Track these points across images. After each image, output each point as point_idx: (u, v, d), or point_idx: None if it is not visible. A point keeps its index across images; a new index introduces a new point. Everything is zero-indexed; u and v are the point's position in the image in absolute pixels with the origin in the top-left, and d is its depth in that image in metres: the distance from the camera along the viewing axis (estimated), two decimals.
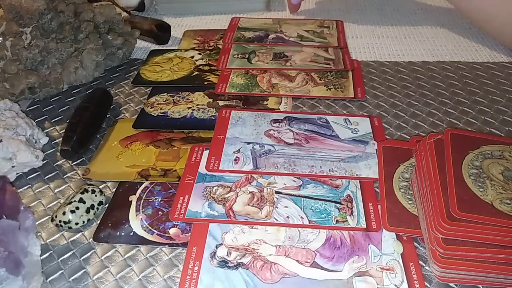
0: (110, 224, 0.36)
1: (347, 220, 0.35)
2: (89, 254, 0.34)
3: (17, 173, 0.41)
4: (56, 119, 0.48)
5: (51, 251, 0.35)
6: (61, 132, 0.46)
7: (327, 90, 0.50)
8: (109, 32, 0.54)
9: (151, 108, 0.48)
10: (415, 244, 0.34)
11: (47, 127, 0.47)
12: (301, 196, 0.37)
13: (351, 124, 0.45)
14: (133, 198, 0.38)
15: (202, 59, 0.56)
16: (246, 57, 0.56)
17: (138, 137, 0.45)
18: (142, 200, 0.38)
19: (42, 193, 0.40)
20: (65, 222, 0.35)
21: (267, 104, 0.49)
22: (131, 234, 0.35)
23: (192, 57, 0.57)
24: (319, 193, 0.38)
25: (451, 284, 0.31)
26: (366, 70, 0.54)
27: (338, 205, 0.36)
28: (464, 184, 0.32)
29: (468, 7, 0.57)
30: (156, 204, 0.38)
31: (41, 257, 0.33)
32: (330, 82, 0.51)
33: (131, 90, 0.52)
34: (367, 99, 0.49)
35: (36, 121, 0.47)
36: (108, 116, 0.48)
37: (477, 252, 0.29)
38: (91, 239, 0.35)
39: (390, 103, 0.48)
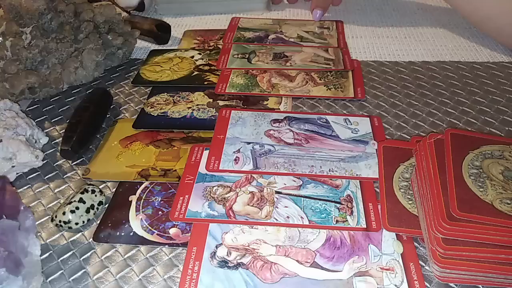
0: (110, 224, 0.36)
1: (347, 220, 0.35)
2: (89, 254, 0.34)
3: (17, 173, 0.41)
4: (56, 119, 0.48)
5: (51, 251, 0.35)
6: (61, 132, 0.46)
7: (327, 90, 0.50)
8: (109, 32, 0.54)
9: (151, 108, 0.48)
10: (415, 244, 0.34)
11: (47, 127, 0.47)
12: (301, 196, 0.37)
13: (351, 124, 0.45)
14: (133, 198, 0.38)
15: (202, 59, 0.56)
16: (246, 57, 0.56)
17: (138, 137, 0.45)
18: (142, 200, 0.38)
19: (42, 193, 0.40)
20: (65, 222, 0.35)
21: (267, 104, 0.49)
22: (131, 234, 0.35)
23: (192, 57, 0.57)
24: (319, 193, 0.38)
25: (451, 284, 0.31)
26: (366, 70, 0.54)
27: (338, 205, 0.36)
28: (464, 184, 0.32)
29: (467, 8, 0.57)
30: (156, 204, 0.38)
31: (41, 257, 0.33)
32: (330, 82, 0.51)
33: (131, 90, 0.52)
34: (367, 99, 0.49)
35: (36, 121, 0.47)
36: (108, 116, 0.48)
37: (477, 252, 0.29)
38: (91, 239, 0.35)
39: (390, 103, 0.48)
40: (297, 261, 0.32)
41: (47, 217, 0.37)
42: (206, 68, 0.55)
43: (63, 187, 0.40)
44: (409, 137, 0.43)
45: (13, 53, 0.47)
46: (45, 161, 0.42)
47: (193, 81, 0.52)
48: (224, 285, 0.31)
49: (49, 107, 0.50)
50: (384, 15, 0.67)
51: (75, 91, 0.53)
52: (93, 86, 0.53)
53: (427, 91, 0.50)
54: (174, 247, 0.34)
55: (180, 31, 0.65)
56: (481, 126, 0.45)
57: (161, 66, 0.55)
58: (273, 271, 0.32)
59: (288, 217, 0.35)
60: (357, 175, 0.39)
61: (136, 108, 0.49)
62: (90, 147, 0.44)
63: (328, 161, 0.40)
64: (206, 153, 0.41)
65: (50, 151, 0.44)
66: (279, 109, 0.48)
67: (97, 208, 0.37)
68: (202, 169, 0.40)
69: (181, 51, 0.58)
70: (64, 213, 0.35)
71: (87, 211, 0.36)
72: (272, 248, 0.33)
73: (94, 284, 0.32)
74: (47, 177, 0.41)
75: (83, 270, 0.33)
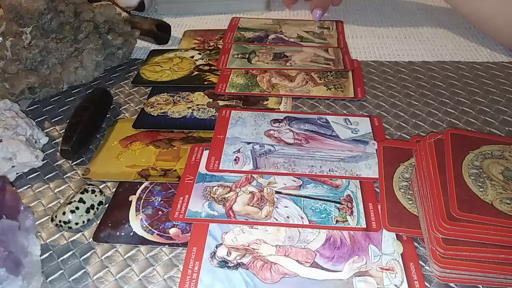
0: (110, 224, 0.36)
1: (347, 220, 0.35)
2: (89, 254, 0.34)
3: (17, 173, 0.41)
4: (56, 119, 0.48)
5: (51, 251, 0.35)
6: (61, 132, 0.46)
7: (327, 90, 0.50)
8: (109, 32, 0.54)
9: (151, 108, 0.48)
10: (415, 244, 0.34)
11: (47, 127, 0.47)
12: (301, 196, 0.37)
13: (351, 124, 0.45)
14: (133, 198, 0.38)
15: (202, 59, 0.56)
16: (246, 57, 0.56)
17: (138, 137, 0.45)
18: (142, 200, 0.38)
19: (42, 193, 0.40)
20: (65, 222, 0.35)
21: (267, 104, 0.49)
22: (131, 234, 0.35)
23: (192, 57, 0.57)
24: (319, 193, 0.38)
25: (451, 284, 0.31)
26: (366, 70, 0.54)
27: (338, 205, 0.36)
28: (464, 184, 0.32)
29: (466, 8, 0.57)
30: (156, 204, 0.38)
31: (41, 257, 0.33)
32: (330, 82, 0.51)
33: (131, 90, 0.52)
34: (367, 99, 0.49)
35: (36, 121, 0.47)
36: (108, 116, 0.48)
37: (477, 252, 0.29)
38: (91, 239, 0.35)
39: (390, 103, 0.48)
40: (297, 261, 0.32)
41: (47, 217, 0.37)
42: (206, 68, 0.55)
43: (63, 187, 0.40)
44: (409, 137, 0.43)
45: (13, 53, 0.47)
46: (45, 161, 0.42)
47: (193, 81, 0.52)
48: (224, 285, 0.31)
49: (49, 107, 0.50)
50: (384, 15, 0.67)
51: (75, 91, 0.53)
52: (93, 86, 0.53)
53: (427, 91, 0.50)
54: (174, 247, 0.34)
55: (180, 31, 0.65)
56: (481, 126, 0.45)
57: (161, 66, 0.55)
58: (273, 271, 0.32)
59: (288, 217, 0.35)
60: (357, 175, 0.39)
61: (136, 108, 0.49)
62: (90, 147, 0.44)
63: (328, 161, 0.40)
64: (206, 153, 0.41)
65: (50, 151, 0.44)
66: (279, 109, 0.48)
67: (97, 208, 0.37)
68: (202, 169, 0.40)
69: (181, 51, 0.58)
70: (64, 213, 0.35)
71: (87, 211, 0.36)
72: (272, 248, 0.33)
73: (94, 284, 0.32)
74: (47, 177, 0.41)
75: (83, 270, 0.33)
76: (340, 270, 0.32)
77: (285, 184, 0.38)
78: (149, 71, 0.54)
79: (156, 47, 0.61)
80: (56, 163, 0.43)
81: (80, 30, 0.51)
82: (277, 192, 0.38)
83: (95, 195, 0.37)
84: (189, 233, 0.35)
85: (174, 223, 0.36)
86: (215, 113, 0.47)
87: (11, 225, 0.30)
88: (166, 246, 0.34)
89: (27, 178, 0.41)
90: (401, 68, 0.54)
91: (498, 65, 0.54)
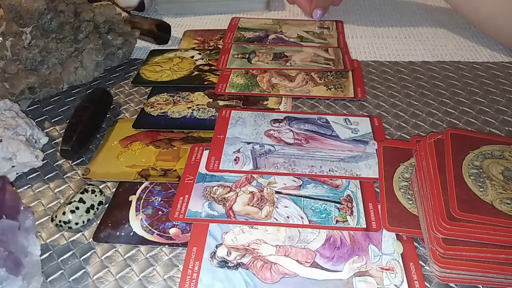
0: (110, 224, 0.36)
1: (347, 220, 0.35)
2: (89, 254, 0.34)
3: (17, 173, 0.41)
4: (56, 119, 0.48)
5: (51, 251, 0.35)
6: (61, 132, 0.46)
7: (327, 90, 0.50)
8: (109, 32, 0.54)
9: (151, 108, 0.48)
10: (415, 244, 0.34)
11: (47, 127, 0.47)
12: (301, 196, 0.37)
13: (351, 124, 0.45)
14: (133, 198, 0.38)
15: (202, 59, 0.56)
16: (246, 57, 0.56)
17: (138, 137, 0.45)
18: (142, 200, 0.38)
19: (42, 193, 0.40)
20: (65, 222, 0.35)
21: (267, 104, 0.49)
22: (131, 234, 0.35)
23: (192, 57, 0.57)
24: (319, 193, 0.38)
25: (451, 284, 0.31)
26: (366, 70, 0.54)
27: (338, 205, 0.36)
28: (464, 184, 0.32)
29: (466, 8, 0.57)
30: (156, 204, 0.38)
31: (41, 257, 0.33)
32: (330, 82, 0.51)
33: (131, 90, 0.52)
34: (367, 99, 0.49)
35: (36, 121, 0.47)
36: (108, 116, 0.48)
37: (477, 252, 0.29)
38: (91, 239, 0.35)
39: (390, 103, 0.48)
40: (297, 261, 0.32)
41: (47, 217, 0.37)
42: (206, 68, 0.55)
43: (63, 187, 0.40)
44: (409, 137, 0.43)
45: (13, 53, 0.47)
46: (45, 161, 0.42)
47: (193, 81, 0.52)
48: (224, 285, 0.31)
49: (49, 107, 0.50)
50: (384, 15, 0.67)
51: (75, 91, 0.53)
52: (93, 86, 0.53)
53: (427, 91, 0.50)
54: (174, 247, 0.34)
55: (180, 31, 0.65)
56: (481, 126, 0.45)
57: (161, 66, 0.55)
58: (273, 271, 0.32)
59: (288, 217, 0.35)
60: (357, 175, 0.39)
61: (136, 108, 0.49)
62: (90, 147, 0.44)
63: (328, 161, 0.40)
64: (206, 153, 0.41)
65: (50, 151, 0.44)
66: (279, 109, 0.48)
67: (97, 208, 0.37)
68: (202, 169, 0.40)
69: (181, 51, 0.58)
70: (64, 213, 0.35)
71: (87, 211, 0.36)
72: (272, 248, 0.33)
73: (94, 284, 0.32)
74: (47, 177, 0.41)
75: (83, 270, 0.33)
76: (340, 270, 0.32)
77: (285, 184, 0.38)
78: (149, 71, 0.54)
79: (156, 47, 0.61)
80: (56, 163, 0.43)
81: (80, 30, 0.51)
82: (277, 192, 0.38)
83: (95, 195, 0.37)
84: (189, 233, 0.35)
85: (174, 223, 0.36)
86: (215, 113, 0.47)
87: (11, 225, 0.30)
88: (166, 246, 0.34)
89: (27, 178, 0.41)
90: (401, 68, 0.54)
91: (498, 65, 0.54)
